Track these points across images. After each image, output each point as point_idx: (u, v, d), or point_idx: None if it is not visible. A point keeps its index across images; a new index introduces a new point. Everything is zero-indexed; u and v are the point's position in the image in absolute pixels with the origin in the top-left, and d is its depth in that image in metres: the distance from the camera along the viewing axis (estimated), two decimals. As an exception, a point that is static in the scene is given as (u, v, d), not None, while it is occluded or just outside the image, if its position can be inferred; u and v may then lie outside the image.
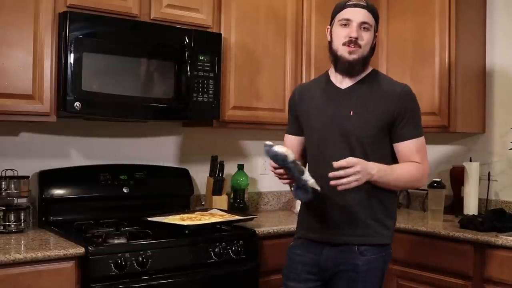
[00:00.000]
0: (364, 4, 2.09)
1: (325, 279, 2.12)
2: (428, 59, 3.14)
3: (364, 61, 2.10)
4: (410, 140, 2.07)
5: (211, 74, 2.80)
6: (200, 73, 2.76)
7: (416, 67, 3.21)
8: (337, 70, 2.14)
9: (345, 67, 2.09)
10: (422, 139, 2.10)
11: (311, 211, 2.17)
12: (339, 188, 1.89)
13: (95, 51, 2.47)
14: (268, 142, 1.93)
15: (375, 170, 1.96)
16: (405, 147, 2.07)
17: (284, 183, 2.04)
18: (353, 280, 2.06)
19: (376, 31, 2.14)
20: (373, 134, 2.06)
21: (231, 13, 2.96)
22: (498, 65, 3.22)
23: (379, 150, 2.08)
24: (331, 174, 1.89)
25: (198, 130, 3.22)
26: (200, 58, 2.76)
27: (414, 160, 2.07)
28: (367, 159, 2.01)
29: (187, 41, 2.71)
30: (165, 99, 2.67)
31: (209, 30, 2.88)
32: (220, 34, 2.88)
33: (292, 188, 2.03)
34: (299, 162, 1.97)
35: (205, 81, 2.77)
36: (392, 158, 2.11)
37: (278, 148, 1.91)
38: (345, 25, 2.07)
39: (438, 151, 3.49)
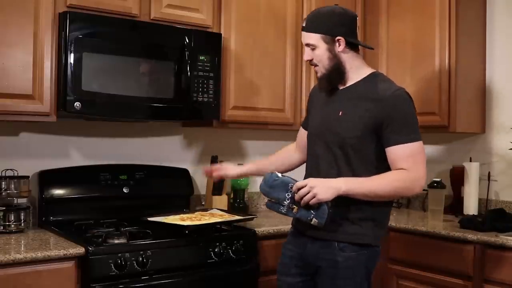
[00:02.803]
0: (304, 25, 2.13)
1: (310, 274, 2.17)
2: (428, 59, 3.14)
3: (333, 72, 2.12)
4: (398, 146, 2.01)
5: (211, 74, 2.80)
6: (200, 73, 2.76)
7: (416, 67, 3.20)
8: None
9: (320, 84, 2.20)
10: (415, 144, 2.02)
11: None
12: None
13: (95, 51, 2.47)
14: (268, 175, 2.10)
15: (341, 182, 1.99)
16: (392, 153, 2.02)
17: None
18: (333, 277, 2.09)
19: (333, 35, 2.07)
20: (357, 135, 2.05)
21: (231, 13, 2.96)
22: (498, 65, 3.22)
23: (363, 153, 2.06)
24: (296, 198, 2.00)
25: (198, 130, 3.22)
26: (200, 58, 2.76)
27: (401, 167, 2.01)
28: (348, 161, 2.07)
29: (187, 41, 2.71)
30: (165, 99, 2.67)
31: (209, 30, 2.88)
32: (220, 34, 2.88)
33: (312, 219, 2.01)
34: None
35: (205, 81, 2.77)
36: (378, 163, 2.06)
37: (278, 174, 2.09)
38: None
39: (438, 151, 3.49)
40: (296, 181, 2.03)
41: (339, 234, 2.08)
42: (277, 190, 2.04)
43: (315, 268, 2.14)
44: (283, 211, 2.05)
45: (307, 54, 2.13)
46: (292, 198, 2.01)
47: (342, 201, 2.03)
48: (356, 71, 2.14)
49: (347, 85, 2.15)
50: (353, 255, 2.07)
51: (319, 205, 1.97)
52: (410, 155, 2.00)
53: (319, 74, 2.15)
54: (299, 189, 1.98)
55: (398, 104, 2.03)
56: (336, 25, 2.09)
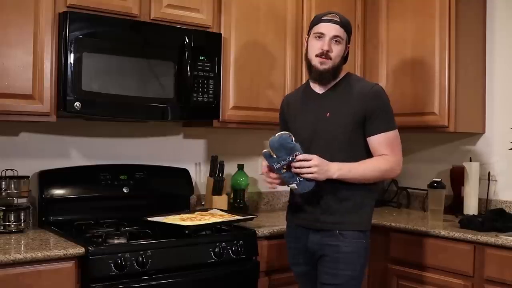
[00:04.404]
0: (338, 20, 2.29)
1: (314, 263, 2.31)
2: (428, 59, 3.14)
3: (335, 71, 2.30)
4: (379, 134, 2.25)
5: (211, 74, 2.80)
6: (200, 73, 2.76)
7: (416, 67, 3.20)
8: (310, 77, 2.39)
9: (316, 76, 2.32)
10: (392, 132, 2.27)
11: (296, 203, 2.37)
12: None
13: (95, 51, 2.47)
14: (273, 138, 2.18)
15: (336, 169, 2.18)
16: (374, 141, 2.26)
17: (271, 187, 2.29)
18: (335, 261, 2.24)
19: (348, 43, 2.35)
20: (349, 131, 2.25)
21: (231, 13, 2.96)
22: (498, 64, 3.22)
23: (356, 146, 2.27)
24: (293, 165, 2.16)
25: (198, 130, 3.22)
26: (200, 58, 2.76)
27: (383, 153, 2.25)
28: (344, 155, 2.24)
29: (187, 41, 2.71)
30: (165, 99, 2.67)
31: (209, 30, 2.88)
32: (220, 34, 2.88)
33: (293, 184, 2.19)
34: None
35: (205, 81, 2.77)
36: (368, 153, 2.29)
37: (280, 133, 2.19)
38: (319, 37, 2.29)
39: (438, 151, 3.49)
40: (303, 152, 2.17)
41: (340, 224, 2.25)
42: (284, 151, 2.16)
43: (318, 257, 2.29)
44: (275, 166, 2.18)
45: (328, 45, 2.26)
46: (290, 162, 2.16)
47: (343, 193, 2.24)
48: (338, 76, 2.35)
49: (327, 87, 2.34)
50: (354, 241, 2.24)
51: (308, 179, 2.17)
52: (390, 142, 2.27)
53: (325, 67, 2.28)
54: (303, 160, 2.14)
55: (378, 98, 2.27)
56: (351, 36, 2.39)
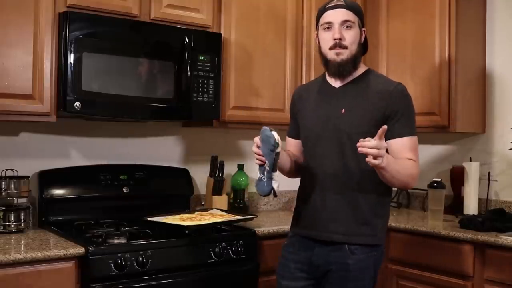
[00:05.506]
0: (343, 3, 2.10)
1: (317, 277, 2.14)
2: (428, 59, 3.14)
3: (354, 60, 2.12)
4: (403, 138, 2.05)
5: (211, 74, 2.80)
6: (200, 73, 2.76)
7: (416, 66, 3.20)
8: (329, 73, 2.19)
9: (336, 70, 2.13)
10: (415, 138, 2.09)
11: (302, 209, 2.22)
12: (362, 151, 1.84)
13: (95, 51, 2.47)
14: (267, 127, 2.01)
15: (385, 157, 1.88)
16: (398, 144, 2.04)
17: (256, 163, 2.05)
18: (344, 279, 2.07)
19: (362, 26, 2.14)
20: (364, 131, 2.01)
21: (231, 13, 2.96)
22: (498, 64, 3.22)
23: None
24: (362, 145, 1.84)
25: (198, 130, 3.22)
26: (200, 58, 2.76)
27: (407, 157, 2.03)
28: (357, 156, 1.99)
29: (187, 41, 2.71)
30: (165, 99, 2.67)
31: (209, 30, 2.88)
32: (220, 34, 2.88)
33: (260, 176, 2.05)
34: (280, 159, 2.05)
35: (205, 81, 2.77)
36: None
37: (275, 134, 1.98)
38: (328, 28, 2.10)
39: (438, 151, 3.49)
40: (271, 166, 2.00)
41: (352, 236, 2.08)
42: (265, 149, 2.00)
43: (324, 272, 2.12)
44: (267, 154, 2.00)
45: (339, 32, 2.07)
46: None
47: (356, 199, 2.07)
48: (359, 66, 2.17)
49: (345, 81, 2.16)
50: (363, 257, 2.08)
51: (269, 180, 2.02)
52: (414, 148, 2.07)
53: (342, 57, 2.09)
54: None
55: (403, 97, 2.09)
56: (363, 18, 2.17)
